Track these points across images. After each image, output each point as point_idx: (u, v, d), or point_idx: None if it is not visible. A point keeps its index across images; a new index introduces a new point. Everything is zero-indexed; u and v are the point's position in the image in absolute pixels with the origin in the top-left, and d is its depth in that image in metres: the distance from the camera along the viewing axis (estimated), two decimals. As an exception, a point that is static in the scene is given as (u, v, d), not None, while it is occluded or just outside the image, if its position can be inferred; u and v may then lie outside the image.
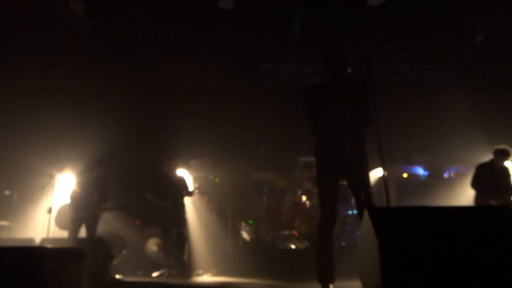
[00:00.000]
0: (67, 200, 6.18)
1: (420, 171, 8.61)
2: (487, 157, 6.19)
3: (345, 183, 3.72)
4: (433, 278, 2.03)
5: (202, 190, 7.22)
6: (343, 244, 6.44)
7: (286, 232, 6.62)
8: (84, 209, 6.09)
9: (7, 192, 8.03)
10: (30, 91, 8.53)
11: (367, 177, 3.64)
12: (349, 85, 3.64)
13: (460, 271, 2.05)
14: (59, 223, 6.07)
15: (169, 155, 7.00)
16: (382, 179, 3.24)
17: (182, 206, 6.72)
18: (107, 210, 6.26)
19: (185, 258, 6.52)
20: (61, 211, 6.14)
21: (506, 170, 6.06)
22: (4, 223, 7.51)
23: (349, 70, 3.71)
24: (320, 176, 3.69)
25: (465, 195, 6.88)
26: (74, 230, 6.06)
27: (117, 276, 6.19)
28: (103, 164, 6.47)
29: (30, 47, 7.81)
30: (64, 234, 6.10)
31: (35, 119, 7.91)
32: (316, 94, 3.77)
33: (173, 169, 6.92)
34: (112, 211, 6.57)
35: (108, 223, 7.46)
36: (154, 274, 6.37)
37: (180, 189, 6.74)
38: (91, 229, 6.16)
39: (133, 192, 7.29)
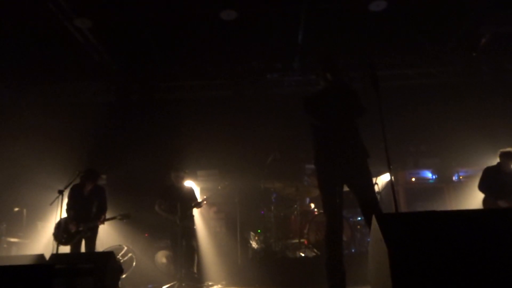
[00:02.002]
0: (64, 215, 6.14)
1: (429, 175, 8.52)
2: (497, 159, 6.14)
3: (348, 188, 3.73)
4: (445, 285, 2.01)
5: (210, 201, 7.20)
6: (354, 251, 6.40)
7: (296, 241, 6.57)
8: (83, 222, 6.06)
9: (16, 209, 8.06)
10: (39, 107, 8.63)
11: (369, 179, 3.65)
12: (345, 89, 3.83)
13: (472, 276, 2.03)
14: (59, 239, 6.03)
15: (177, 167, 7.01)
16: (390, 184, 3.23)
17: (191, 218, 6.71)
18: (107, 220, 6.24)
19: (195, 270, 6.49)
20: (59, 226, 6.09)
21: None
22: (14, 239, 7.54)
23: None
24: (322, 183, 3.69)
25: (475, 198, 6.80)
26: (76, 245, 6.01)
27: (128, 290, 6.19)
28: (98, 175, 6.47)
29: (39, 63, 7.92)
30: (65, 249, 6.07)
31: (44, 136, 7.96)
32: (314, 101, 3.88)
33: (181, 181, 6.92)
34: (113, 221, 6.55)
35: (118, 236, 7.49)
36: (165, 287, 6.35)
37: (189, 200, 6.73)
38: (90, 241, 6.09)
39: (143, 205, 7.29)
